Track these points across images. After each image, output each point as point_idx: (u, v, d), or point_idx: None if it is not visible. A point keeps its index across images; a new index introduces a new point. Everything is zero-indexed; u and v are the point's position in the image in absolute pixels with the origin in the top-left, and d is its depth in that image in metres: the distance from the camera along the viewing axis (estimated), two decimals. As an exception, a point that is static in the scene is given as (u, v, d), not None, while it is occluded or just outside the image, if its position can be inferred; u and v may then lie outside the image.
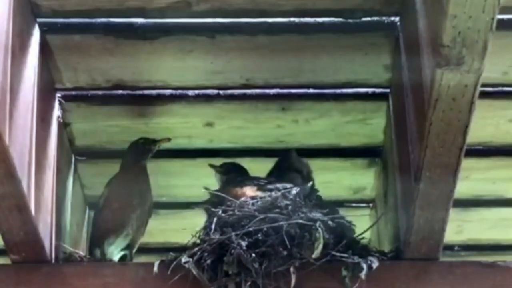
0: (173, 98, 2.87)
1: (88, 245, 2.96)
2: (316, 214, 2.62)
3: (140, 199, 2.85)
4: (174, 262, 2.58)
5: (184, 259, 2.58)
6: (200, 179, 2.99)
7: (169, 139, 2.88)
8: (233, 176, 2.92)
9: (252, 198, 2.69)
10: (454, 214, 2.57)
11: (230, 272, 2.52)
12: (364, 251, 2.64)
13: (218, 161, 3.03)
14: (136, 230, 2.87)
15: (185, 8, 2.51)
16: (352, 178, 3.20)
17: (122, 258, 2.93)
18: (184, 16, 2.57)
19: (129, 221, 2.84)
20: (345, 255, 2.56)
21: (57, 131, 2.81)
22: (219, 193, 2.77)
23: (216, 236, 2.58)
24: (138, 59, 2.71)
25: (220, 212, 2.66)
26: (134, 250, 2.93)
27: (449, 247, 3.45)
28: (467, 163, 2.54)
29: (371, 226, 2.90)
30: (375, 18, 2.61)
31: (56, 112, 2.82)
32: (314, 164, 3.02)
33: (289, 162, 2.97)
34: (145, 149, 2.89)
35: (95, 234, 2.90)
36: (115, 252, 2.90)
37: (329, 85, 2.83)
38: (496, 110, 2.87)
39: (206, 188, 2.89)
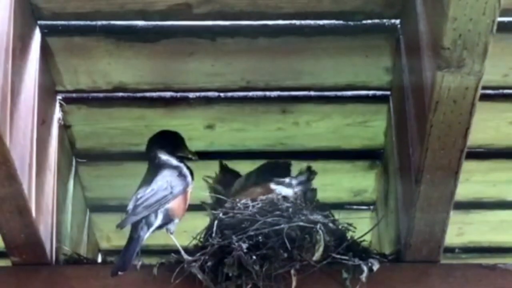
0: (173, 101, 2.87)
1: None
2: (317, 217, 2.63)
3: None
4: (177, 266, 2.58)
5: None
6: (201, 181, 2.99)
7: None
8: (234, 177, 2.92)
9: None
10: (454, 217, 2.57)
11: (231, 275, 2.52)
12: (364, 253, 2.64)
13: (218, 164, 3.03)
14: None
15: (186, 11, 2.51)
16: (353, 180, 3.19)
17: None
18: (185, 18, 2.57)
19: None
20: (346, 257, 2.57)
21: (58, 134, 2.81)
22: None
23: (216, 239, 2.59)
24: (139, 61, 2.71)
25: (221, 215, 2.67)
26: None
27: (450, 250, 3.45)
28: (467, 166, 2.54)
29: (371, 229, 2.90)
30: (376, 21, 2.61)
31: (57, 114, 2.82)
32: (315, 166, 3.02)
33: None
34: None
35: None
36: None
37: (330, 87, 2.83)
38: (496, 112, 2.86)
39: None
